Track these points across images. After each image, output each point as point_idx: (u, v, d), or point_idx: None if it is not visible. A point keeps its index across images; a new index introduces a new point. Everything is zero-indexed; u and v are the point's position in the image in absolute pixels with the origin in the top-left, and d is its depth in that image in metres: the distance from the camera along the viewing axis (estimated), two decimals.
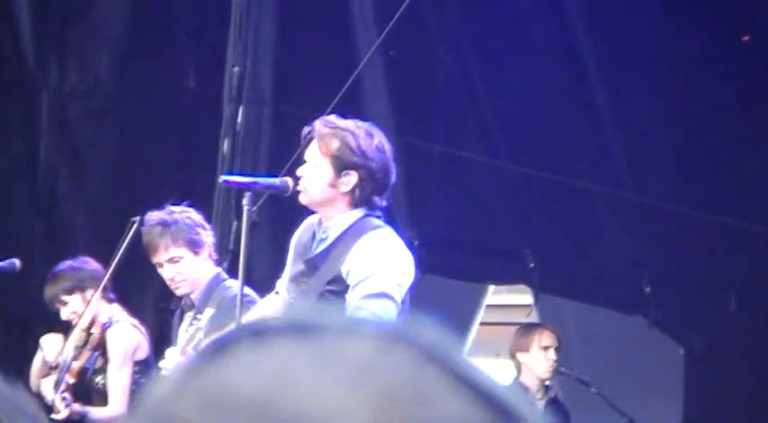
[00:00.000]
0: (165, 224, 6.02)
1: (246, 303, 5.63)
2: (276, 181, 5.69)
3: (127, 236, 6.45)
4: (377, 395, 0.70)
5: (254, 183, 5.80)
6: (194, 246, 6.05)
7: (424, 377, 0.71)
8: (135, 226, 6.44)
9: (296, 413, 0.70)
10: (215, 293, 6.03)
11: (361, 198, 5.08)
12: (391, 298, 4.97)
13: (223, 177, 6.52)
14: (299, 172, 5.18)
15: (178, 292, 6.15)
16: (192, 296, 6.09)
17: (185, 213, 6.10)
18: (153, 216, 6.08)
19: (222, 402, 0.71)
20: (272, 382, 0.71)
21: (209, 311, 5.77)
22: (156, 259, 6.07)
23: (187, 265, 6.03)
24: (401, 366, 0.71)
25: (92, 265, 6.68)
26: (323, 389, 0.71)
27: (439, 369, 0.71)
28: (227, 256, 7.46)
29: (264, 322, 0.75)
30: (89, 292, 6.52)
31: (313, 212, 5.23)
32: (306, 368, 0.71)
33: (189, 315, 6.08)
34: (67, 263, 6.69)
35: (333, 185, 5.07)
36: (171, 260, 6.01)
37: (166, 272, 6.06)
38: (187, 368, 0.76)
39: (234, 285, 5.89)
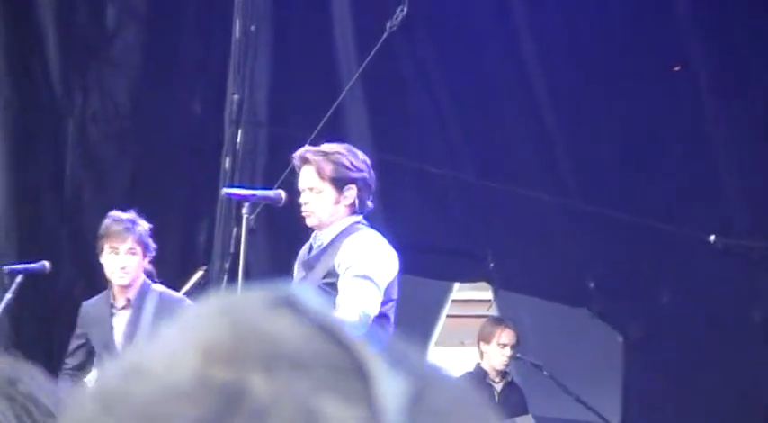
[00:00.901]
0: (134, 223, 6.62)
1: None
2: (271, 193, 6.43)
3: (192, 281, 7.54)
4: (208, 340, 0.65)
5: (252, 195, 6.49)
6: (146, 249, 6.65)
7: (272, 318, 0.65)
8: (201, 273, 7.55)
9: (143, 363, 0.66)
10: (149, 295, 6.64)
11: (362, 205, 5.79)
12: (372, 281, 5.57)
13: (225, 190, 7.23)
14: (302, 200, 5.77)
15: (121, 281, 6.61)
16: (129, 296, 6.65)
17: (145, 224, 6.70)
18: (125, 215, 6.66)
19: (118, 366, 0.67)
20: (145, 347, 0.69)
21: (149, 308, 6.55)
22: (116, 245, 6.58)
23: (136, 262, 6.64)
24: (250, 311, 0.66)
25: None
26: (170, 340, 0.67)
27: (288, 311, 0.66)
28: (228, 258, 8.14)
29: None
30: None
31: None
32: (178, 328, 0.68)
33: (123, 313, 6.69)
34: None
35: (337, 202, 5.72)
36: (129, 250, 6.59)
37: (120, 260, 6.58)
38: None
39: (159, 288, 6.71)
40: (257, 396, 0.63)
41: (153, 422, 0.63)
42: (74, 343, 6.91)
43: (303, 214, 5.78)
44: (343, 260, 5.66)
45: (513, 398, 8.45)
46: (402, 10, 8.36)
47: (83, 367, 6.87)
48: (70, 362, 6.90)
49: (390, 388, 0.64)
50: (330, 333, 0.65)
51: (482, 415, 0.71)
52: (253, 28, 8.69)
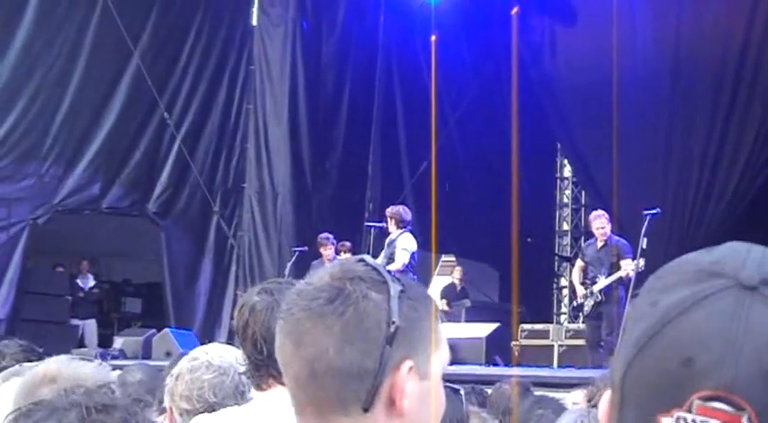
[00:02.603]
0: None
1: None
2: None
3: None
4: (340, 279, 1.81)
5: None
6: None
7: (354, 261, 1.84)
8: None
9: None
10: None
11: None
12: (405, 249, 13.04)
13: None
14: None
15: None
16: None
17: None
18: None
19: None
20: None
21: None
22: None
23: None
24: (357, 268, 1.82)
25: None
26: (325, 272, 1.85)
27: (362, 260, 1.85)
28: None
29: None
30: None
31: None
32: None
33: None
34: None
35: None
36: None
37: None
38: None
39: None
40: (349, 291, 1.78)
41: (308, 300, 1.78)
42: None
43: None
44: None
45: None
46: None
47: None
48: None
49: (394, 287, 1.81)
50: (376, 269, 1.84)
51: (432, 300, 1.90)
52: None
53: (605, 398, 1.14)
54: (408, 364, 1.78)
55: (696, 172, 19.10)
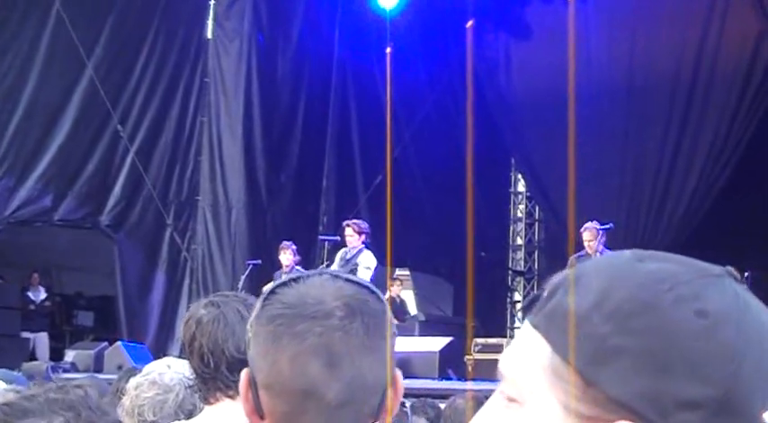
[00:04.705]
0: None
1: None
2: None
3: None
4: (342, 297, 1.76)
5: None
6: None
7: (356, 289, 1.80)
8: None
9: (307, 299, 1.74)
10: None
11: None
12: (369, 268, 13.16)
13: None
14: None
15: None
16: None
17: None
18: None
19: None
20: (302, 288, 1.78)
21: None
22: None
23: None
24: (346, 286, 1.79)
25: None
26: (319, 291, 1.75)
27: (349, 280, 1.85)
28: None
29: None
30: None
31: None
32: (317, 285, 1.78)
33: None
34: None
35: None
36: None
37: None
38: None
39: None
40: (361, 307, 1.77)
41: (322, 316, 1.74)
42: None
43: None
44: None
45: None
46: None
47: None
48: None
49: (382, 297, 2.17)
50: (364, 286, 1.84)
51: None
52: None
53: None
54: (398, 370, 1.79)
55: (649, 187, 19.22)
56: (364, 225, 14.55)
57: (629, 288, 1.05)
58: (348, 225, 14.65)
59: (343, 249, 14.59)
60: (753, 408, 1.04)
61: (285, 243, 15.85)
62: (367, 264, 13.87)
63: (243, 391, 1.78)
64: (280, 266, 15.57)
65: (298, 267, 14.76)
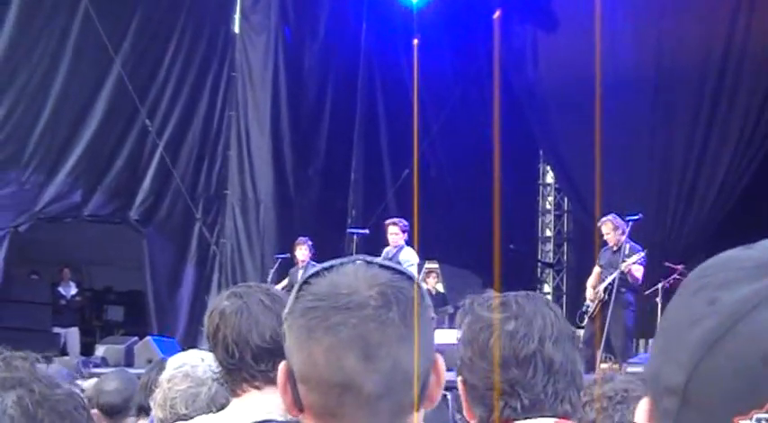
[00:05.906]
0: None
1: None
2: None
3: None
4: (377, 285, 1.69)
5: None
6: None
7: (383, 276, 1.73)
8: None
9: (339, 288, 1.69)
10: None
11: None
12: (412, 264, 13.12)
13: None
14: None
15: None
16: None
17: None
18: None
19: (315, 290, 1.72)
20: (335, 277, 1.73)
21: None
22: None
23: None
24: (380, 273, 1.72)
25: None
26: (352, 280, 1.70)
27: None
28: None
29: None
30: None
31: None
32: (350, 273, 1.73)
33: None
34: None
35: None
36: None
37: None
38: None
39: None
40: (396, 295, 1.70)
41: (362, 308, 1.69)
42: None
43: None
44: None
45: None
46: None
47: None
48: None
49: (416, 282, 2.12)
50: (400, 272, 1.78)
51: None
52: None
53: (642, 407, 1.08)
54: (439, 355, 1.76)
55: (678, 178, 19.13)
56: (406, 223, 14.68)
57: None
58: (393, 223, 14.73)
59: (386, 249, 14.59)
60: (721, 408, 0.99)
61: (301, 238, 15.86)
62: (410, 260, 13.89)
63: (281, 384, 1.76)
64: (296, 262, 15.60)
65: (313, 263, 14.78)
